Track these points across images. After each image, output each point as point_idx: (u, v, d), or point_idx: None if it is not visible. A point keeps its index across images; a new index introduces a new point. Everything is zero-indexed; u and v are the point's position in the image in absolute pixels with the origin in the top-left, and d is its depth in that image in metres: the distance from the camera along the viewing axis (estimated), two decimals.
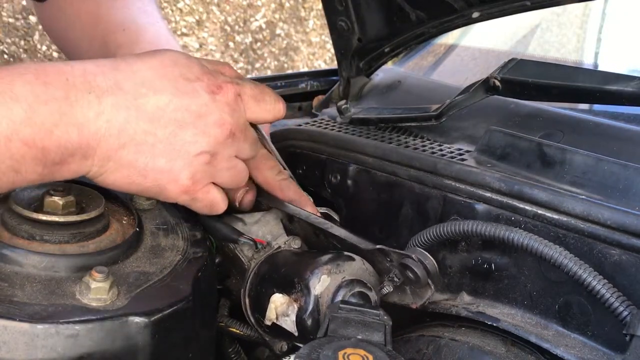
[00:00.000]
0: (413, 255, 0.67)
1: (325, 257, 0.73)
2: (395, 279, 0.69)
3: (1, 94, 0.60)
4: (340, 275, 0.71)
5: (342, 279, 0.71)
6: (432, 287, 0.67)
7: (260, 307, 0.76)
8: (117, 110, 0.65)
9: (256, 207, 0.90)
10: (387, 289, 0.69)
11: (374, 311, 0.64)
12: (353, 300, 0.68)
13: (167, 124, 0.68)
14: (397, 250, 0.69)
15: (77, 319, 0.59)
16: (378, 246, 0.72)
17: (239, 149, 0.74)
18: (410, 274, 0.67)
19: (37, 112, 0.61)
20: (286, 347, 0.80)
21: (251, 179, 0.86)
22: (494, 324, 0.67)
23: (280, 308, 0.72)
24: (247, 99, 0.74)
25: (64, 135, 0.63)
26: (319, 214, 0.83)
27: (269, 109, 0.77)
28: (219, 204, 0.75)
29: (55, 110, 0.62)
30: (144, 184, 0.69)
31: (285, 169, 0.87)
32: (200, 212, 0.75)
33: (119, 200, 0.78)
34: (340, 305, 0.64)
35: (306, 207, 0.84)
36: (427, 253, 0.67)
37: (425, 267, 0.66)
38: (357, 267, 0.73)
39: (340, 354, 0.54)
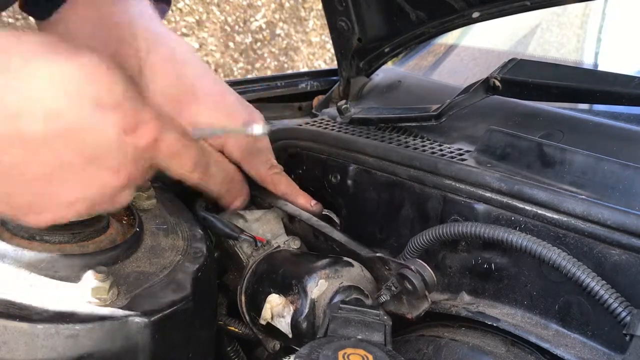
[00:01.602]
0: (412, 267, 0.67)
1: (324, 261, 0.73)
2: (393, 288, 0.69)
3: None
4: (338, 281, 0.71)
5: (339, 285, 0.71)
6: (429, 299, 0.67)
7: (256, 305, 0.76)
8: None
9: (258, 205, 0.90)
10: (384, 297, 0.69)
11: (374, 311, 0.64)
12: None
13: (48, 154, 0.53)
14: (396, 260, 0.69)
15: (77, 319, 0.59)
16: (377, 254, 0.72)
17: (124, 198, 0.60)
18: (407, 285, 0.67)
19: None
20: (279, 346, 0.80)
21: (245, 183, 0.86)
22: (494, 324, 0.67)
23: (276, 309, 0.72)
24: (165, 149, 0.60)
25: None
26: (314, 205, 0.84)
27: (184, 164, 0.63)
28: None
29: None
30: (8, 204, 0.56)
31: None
32: None
33: None
34: (341, 305, 0.64)
35: (298, 199, 0.84)
36: (425, 265, 0.67)
37: (424, 278, 0.66)
38: (355, 273, 0.73)
39: (340, 354, 0.54)
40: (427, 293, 0.67)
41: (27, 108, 0.51)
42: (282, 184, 0.86)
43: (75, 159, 0.54)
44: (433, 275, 0.66)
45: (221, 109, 0.87)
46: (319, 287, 0.70)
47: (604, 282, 0.60)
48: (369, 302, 0.70)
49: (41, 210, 0.57)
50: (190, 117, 0.85)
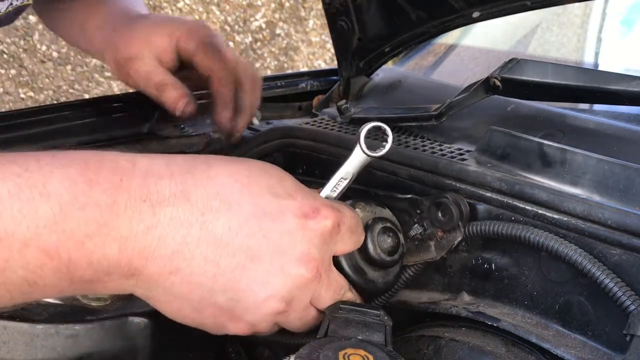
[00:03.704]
0: (448, 196, 0.68)
1: (360, 198, 0.73)
2: (425, 225, 0.70)
3: (31, 188, 0.48)
4: (372, 214, 0.71)
5: (373, 215, 0.70)
6: (462, 230, 0.68)
7: None
8: (175, 226, 0.52)
9: None
10: (415, 230, 0.71)
11: (374, 311, 0.64)
12: (383, 235, 0.68)
13: (236, 251, 0.54)
14: (430, 197, 0.71)
15: (77, 319, 0.59)
16: (409, 195, 0.73)
17: (319, 295, 0.60)
18: (441, 216, 0.68)
19: (68, 216, 0.49)
20: None
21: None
22: (494, 324, 0.67)
23: None
24: (344, 230, 0.61)
25: (99, 249, 0.50)
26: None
27: (358, 240, 0.65)
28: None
29: (93, 218, 0.50)
30: (199, 320, 0.57)
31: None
32: None
33: None
34: (341, 306, 0.64)
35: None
36: (462, 197, 0.69)
37: (460, 207, 0.67)
38: (388, 214, 0.73)
39: (341, 354, 0.54)
40: (460, 224, 0.68)
41: (212, 203, 0.54)
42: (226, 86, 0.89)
43: (262, 248, 0.55)
44: (469, 208, 0.68)
45: (172, 20, 0.92)
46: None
47: (618, 279, 0.60)
48: (400, 235, 0.70)
49: (240, 311, 0.57)
50: (139, 31, 0.89)
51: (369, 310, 0.65)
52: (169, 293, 0.54)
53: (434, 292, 0.75)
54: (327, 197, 0.67)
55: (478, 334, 0.69)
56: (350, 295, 0.65)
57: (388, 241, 0.68)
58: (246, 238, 0.54)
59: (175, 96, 0.87)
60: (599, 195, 0.66)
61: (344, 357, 0.54)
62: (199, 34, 0.89)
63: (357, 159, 0.67)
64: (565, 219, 0.64)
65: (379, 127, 0.66)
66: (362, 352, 0.55)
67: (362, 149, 0.66)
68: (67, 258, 0.49)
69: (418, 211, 0.71)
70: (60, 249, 0.49)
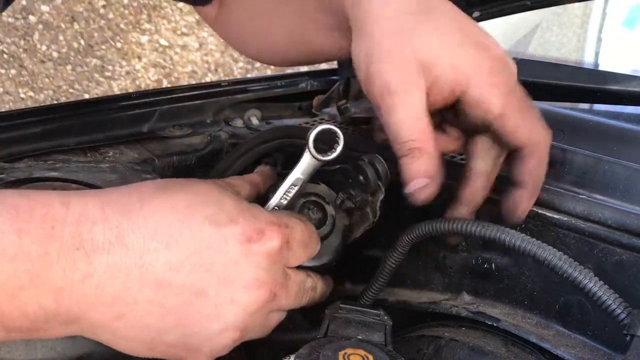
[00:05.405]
0: (365, 158, 0.68)
1: None
2: (353, 192, 0.69)
3: None
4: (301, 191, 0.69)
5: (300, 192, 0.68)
6: (383, 189, 0.68)
7: None
8: (113, 273, 0.51)
9: None
10: (341, 196, 0.70)
11: (374, 311, 0.64)
12: (304, 210, 0.68)
13: (180, 290, 0.53)
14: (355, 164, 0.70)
15: None
16: (338, 166, 0.71)
17: (280, 305, 0.59)
18: (361, 178, 0.68)
19: None
20: None
21: None
22: (494, 324, 0.67)
23: None
24: (296, 245, 0.59)
25: (33, 301, 0.49)
26: None
27: (312, 251, 0.63)
28: None
29: (24, 269, 0.48)
30: (155, 355, 0.56)
31: None
32: None
33: None
34: (341, 305, 0.64)
35: None
36: (380, 158, 0.68)
37: (375, 167, 0.67)
38: (321, 189, 0.71)
39: (341, 354, 0.54)
40: (380, 184, 0.67)
41: (150, 245, 0.52)
42: None
43: (206, 283, 0.54)
44: (386, 166, 0.67)
45: (456, 24, 0.60)
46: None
47: (601, 282, 0.59)
48: (329, 207, 0.70)
49: (195, 346, 0.56)
50: (424, 37, 0.59)
51: (368, 310, 0.65)
52: (117, 336, 0.54)
53: (434, 292, 0.75)
54: (277, 206, 0.65)
55: (478, 334, 0.68)
56: (311, 280, 0.63)
57: (310, 215, 0.68)
58: (189, 275, 0.53)
59: (421, 170, 0.60)
60: (599, 195, 0.66)
61: (343, 357, 0.54)
62: (503, 78, 0.59)
63: (306, 163, 0.65)
64: (566, 219, 0.64)
65: (330, 130, 0.64)
66: (362, 352, 0.55)
67: (311, 153, 0.64)
68: None
69: (350, 180, 0.70)
70: None
